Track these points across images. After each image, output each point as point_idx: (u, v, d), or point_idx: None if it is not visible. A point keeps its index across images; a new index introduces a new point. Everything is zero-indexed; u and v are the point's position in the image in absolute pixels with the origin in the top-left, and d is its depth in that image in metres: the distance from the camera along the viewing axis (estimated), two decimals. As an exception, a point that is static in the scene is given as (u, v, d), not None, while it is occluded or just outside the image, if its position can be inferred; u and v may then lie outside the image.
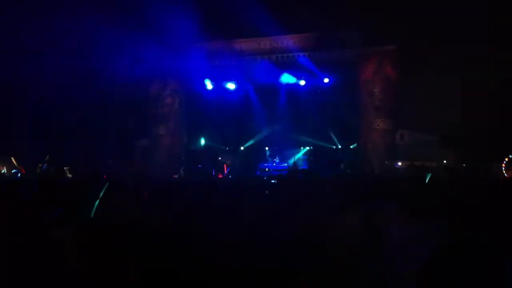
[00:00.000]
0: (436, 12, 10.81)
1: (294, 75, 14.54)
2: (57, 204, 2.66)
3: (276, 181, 5.91)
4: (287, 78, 14.39)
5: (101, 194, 2.59)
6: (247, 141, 16.61)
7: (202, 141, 15.89)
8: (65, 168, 11.18)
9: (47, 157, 9.80)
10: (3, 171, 10.67)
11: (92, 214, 2.43)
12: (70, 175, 9.76)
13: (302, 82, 14.73)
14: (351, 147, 14.96)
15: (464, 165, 10.97)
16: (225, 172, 15.24)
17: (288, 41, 13.79)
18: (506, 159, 10.41)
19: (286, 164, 14.94)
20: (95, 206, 2.47)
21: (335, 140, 15.62)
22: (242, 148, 16.76)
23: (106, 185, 2.71)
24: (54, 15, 11.11)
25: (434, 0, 10.98)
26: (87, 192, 2.64)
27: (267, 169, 14.50)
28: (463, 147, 11.57)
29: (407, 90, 12.14)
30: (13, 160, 10.07)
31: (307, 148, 16.02)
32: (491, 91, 10.64)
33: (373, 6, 11.31)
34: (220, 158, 15.54)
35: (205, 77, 15.08)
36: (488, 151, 10.67)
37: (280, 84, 15.25)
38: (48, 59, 11.88)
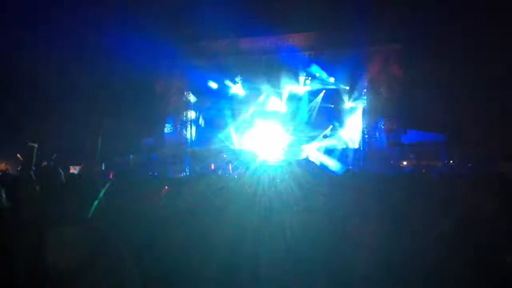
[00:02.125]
0: (442, 12, 10.78)
1: (299, 74, 14.57)
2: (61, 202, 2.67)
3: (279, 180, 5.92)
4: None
5: (102, 193, 2.54)
6: (251, 139, 16.60)
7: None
8: (71, 166, 11.27)
9: (54, 155, 9.81)
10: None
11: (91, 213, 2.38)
12: (76, 173, 9.81)
13: (308, 81, 14.74)
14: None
15: (469, 164, 10.93)
16: (230, 170, 15.26)
17: (294, 40, 13.79)
18: None
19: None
20: (94, 205, 2.43)
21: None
22: (246, 146, 16.76)
23: (109, 183, 2.67)
24: (59, 14, 11.21)
25: (439, 0, 10.97)
26: (90, 191, 2.62)
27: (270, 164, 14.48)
28: (469, 146, 11.52)
29: (413, 89, 12.11)
30: (19, 157, 10.11)
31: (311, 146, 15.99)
32: (498, 90, 10.60)
33: (379, 5, 11.30)
34: (225, 156, 15.57)
35: (212, 76, 15.11)
36: (495, 150, 10.61)
37: (286, 82, 15.28)
38: (55, 58, 11.98)
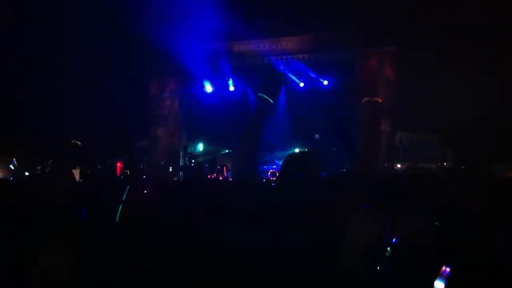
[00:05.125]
0: (436, 13, 10.82)
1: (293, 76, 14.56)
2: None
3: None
4: None
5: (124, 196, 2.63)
6: (246, 144, 16.56)
7: (201, 146, 15.90)
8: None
9: (51, 160, 9.74)
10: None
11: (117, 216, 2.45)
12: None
13: (301, 84, 14.73)
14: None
15: (463, 166, 10.92)
16: (225, 174, 15.23)
17: (287, 42, 13.78)
18: None
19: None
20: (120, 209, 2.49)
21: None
22: (241, 150, 16.72)
23: (127, 188, 2.76)
24: (52, 17, 11.15)
25: (434, 0, 11.01)
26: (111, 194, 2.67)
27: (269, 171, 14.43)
28: (463, 148, 11.54)
29: (406, 91, 12.13)
30: (16, 163, 10.03)
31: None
32: (491, 91, 10.63)
33: (372, 6, 11.32)
34: (219, 159, 15.52)
35: (205, 79, 15.06)
36: (489, 152, 10.63)
37: (280, 86, 15.28)
38: (48, 60, 11.92)
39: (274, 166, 15.11)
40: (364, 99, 13.10)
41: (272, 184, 6.36)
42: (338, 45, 12.78)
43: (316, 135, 14.41)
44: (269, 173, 13.90)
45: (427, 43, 11.16)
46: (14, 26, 11.38)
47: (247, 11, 12.16)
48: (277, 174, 12.53)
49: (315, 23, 12.46)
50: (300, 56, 13.58)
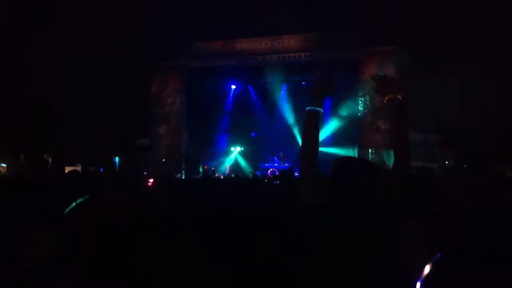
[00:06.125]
0: (436, 12, 10.81)
1: (294, 75, 14.53)
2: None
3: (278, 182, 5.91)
4: None
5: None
6: (247, 141, 16.60)
7: None
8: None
9: (60, 158, 9.75)
10: None
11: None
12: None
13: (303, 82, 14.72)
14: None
15: (464, 166, 10.93)
16: (227, 171, 15.30)
17: (289, 41, 13.76)
18: None
19: (287, 164, 14.87)
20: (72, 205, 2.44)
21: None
22: (242, 148, 16.77)
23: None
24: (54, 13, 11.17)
25: (435, 0, 11.00)
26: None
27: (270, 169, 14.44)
28: (465, 147, 11.53)
29: (408, 90, 12.10)
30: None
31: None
32: (492, 90, 10.62)
33: (374, 6, 11.31)
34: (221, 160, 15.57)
35: (206, 78, 14.99)
36: (490, 152, 10.63)
37: (281, 84, 15.26)
38: (51, 58, 11.95)
39: (276, 164, 15.11)
40: (365, 98, 13.10)
41: (274, 182, 6.33)
42: (340, 44, 12.75)
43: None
44: (269, 171, 13.90)
45: (427, 43, 11.15)
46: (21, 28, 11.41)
47: (249, 9, 12.13)
48: (277, 173, 12.49)
49: (317, 22, 12.43)
50: (302, 54, 13.56)
